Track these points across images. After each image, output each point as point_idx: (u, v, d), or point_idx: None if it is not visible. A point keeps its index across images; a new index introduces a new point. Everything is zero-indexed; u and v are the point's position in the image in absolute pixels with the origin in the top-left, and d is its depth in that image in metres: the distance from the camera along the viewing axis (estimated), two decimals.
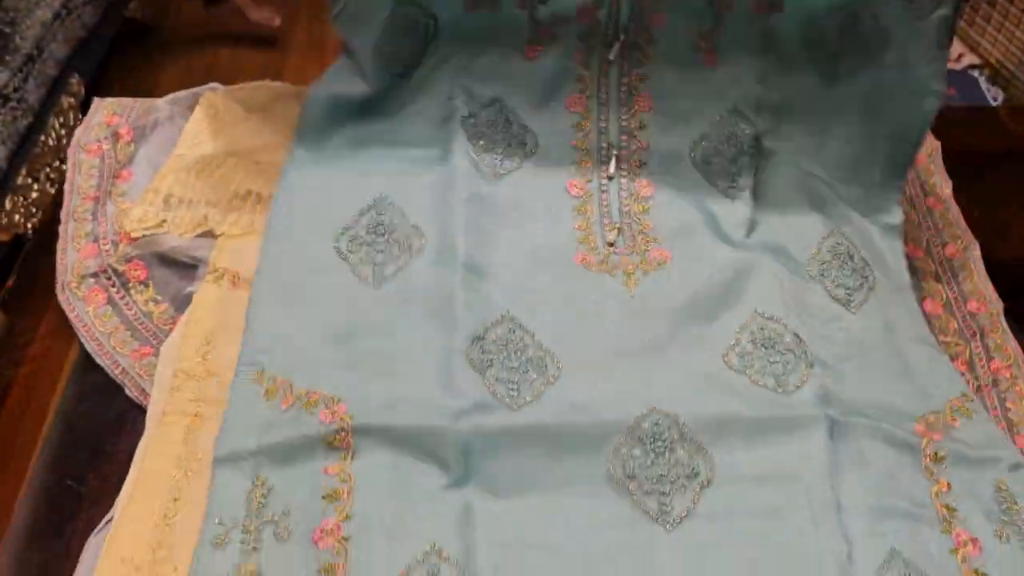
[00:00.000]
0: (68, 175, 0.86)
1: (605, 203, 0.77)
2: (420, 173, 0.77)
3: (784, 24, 0.76)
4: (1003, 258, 0.94)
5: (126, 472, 0.65)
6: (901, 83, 0.77)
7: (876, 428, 0.67)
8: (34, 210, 1.29)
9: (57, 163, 1.34)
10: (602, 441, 0.64)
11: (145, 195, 0.83)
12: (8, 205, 1.17)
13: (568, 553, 0.59)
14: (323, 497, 0.61)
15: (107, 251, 0.79)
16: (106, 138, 0.89)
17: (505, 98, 0.78)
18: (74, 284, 0.76)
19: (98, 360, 0.73)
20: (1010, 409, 0.76)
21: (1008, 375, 0.79)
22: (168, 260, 0.79)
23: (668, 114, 0.78)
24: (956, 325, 0.83)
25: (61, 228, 0.81)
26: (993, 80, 1.82)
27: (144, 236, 0.79)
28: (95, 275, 0.77)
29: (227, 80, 0.98)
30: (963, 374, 0.78)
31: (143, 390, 0.71)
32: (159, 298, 0.77)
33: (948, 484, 0.67)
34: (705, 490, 0.63)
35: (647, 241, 0.76)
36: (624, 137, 0.78)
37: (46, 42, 1.41)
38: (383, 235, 0.74)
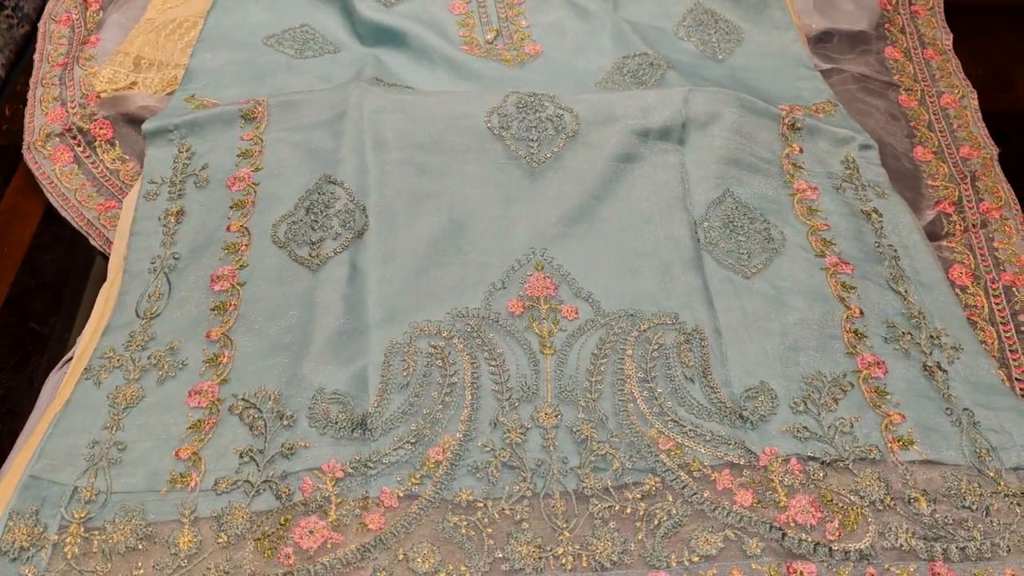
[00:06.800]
0: (38, 45, 0.86)
1: (484, 15, 0.91)
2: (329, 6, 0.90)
3: None
4: (1004, 108, 0.90)
5: (88, 316, 0.66)
6: None
7: (736, 97, 0.76)
8: None
9: None
10: (483, 104, 0.74)
11: (115, 57, 0.82)
12: (8, 112, 1.18)
13: (448, 179, 0.71)
14: (238, 155, 0.73)
15: (74, 113, 0.79)
16: (75, 7, 0.88)
17: None
18: (39, 143, 0.76)
19: (63, 212, 0.73)
20: (997, 248, 0.73)
21: (998, 216, 0.75)
22: (135, 120, 0.78)
23: None
24: (947, 170, 0.80)
25: (30, 94, 0.82)
26: None
27: (113, 95, 0.79)
28: (60, 134, 0.77)
29: None
30: (950, 215, 0.76)
31: (108, 240, 0.71)
32: (127, 157, 0.77)
33: (800, 148, 0.76)
34: (569, 140, 0.73)
35: (522, 38, 0.89)
36: None
37: None
38: (310, 34, 0.87)
